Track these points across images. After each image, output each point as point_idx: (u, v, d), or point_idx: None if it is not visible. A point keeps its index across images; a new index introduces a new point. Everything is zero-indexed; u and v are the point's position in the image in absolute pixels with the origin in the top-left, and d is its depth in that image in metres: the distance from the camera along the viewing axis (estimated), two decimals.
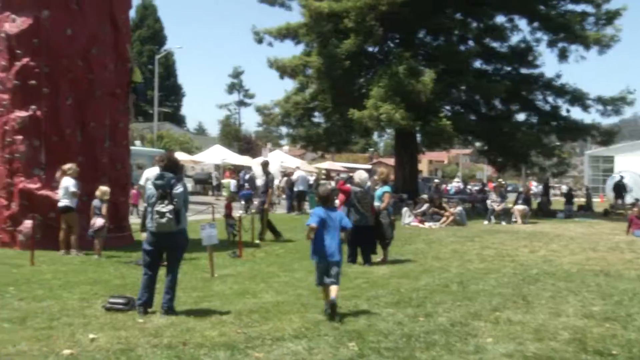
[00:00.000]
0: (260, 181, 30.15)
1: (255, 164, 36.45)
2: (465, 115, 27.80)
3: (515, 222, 20.70)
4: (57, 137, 12.45)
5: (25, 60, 12.33)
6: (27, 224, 11.79)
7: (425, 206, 20.51)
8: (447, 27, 26.09)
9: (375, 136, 39.18)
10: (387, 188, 11.82)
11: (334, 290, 6.73)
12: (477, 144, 33.28)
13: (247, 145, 63.31)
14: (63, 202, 11.53)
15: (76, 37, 12.54)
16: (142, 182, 10.89)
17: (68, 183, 11.48)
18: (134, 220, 15.44)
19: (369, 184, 11.63)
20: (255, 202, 25.12)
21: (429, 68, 23.51)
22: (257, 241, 13.96)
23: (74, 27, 12.51)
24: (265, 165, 15.46)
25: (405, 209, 19.96)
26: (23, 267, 10.04)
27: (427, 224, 19.21)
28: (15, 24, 12.42)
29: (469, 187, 42.32)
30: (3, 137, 12.73)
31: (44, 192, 12.23)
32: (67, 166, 11.60)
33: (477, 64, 28.08)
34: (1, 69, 12.72)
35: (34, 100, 12.34)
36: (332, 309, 6.59)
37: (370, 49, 27.40)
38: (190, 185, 35.04)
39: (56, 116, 12.42)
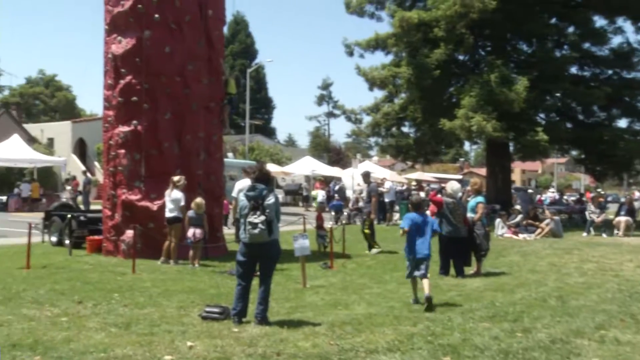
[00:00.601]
0: (350, 192, 30.37)
1: (345, 175, 36.61)
2: (561, 124, 26.71)
3: (618, 234, 19.67)
4: (156, 150, 12.99)
5: (128, 78, 12.99)
6: (129, 233, 12.36)
7: (519, 217, 19.89)
8: (542, 33, 25.26)
9: (466, 145, 38.46)
10: (480, 199, 11.55)
11: (426, 285, 7.94)
12: (574, 152, 31.90)
13: (336, 156, 63.62)
14: (173, 213, 11.97)
15: (174, 54, 13.07)
16: (234, 194, 11.13)
17: (179, 195, 11.93)
18: (226, 230, 15.84)
19: (460, 194, 11.42)
20: (345, 212, 25.30)
21: (522, 76, 22.83)
22: (370, 251, 14.08)
23: (172, 45, 13.05)
24: (366, 175, 15.53)
25: (498, 220, 19.42)
26: (126, 275, 10.52)
27: (521, 236, 18.61)
28: (121, 44, 13.11)
29: (565, 197, 40.57)
30: (108, 151, 13.47)
31: (143, 203, 12.77)
32: (176, 178, 12.07)
33: (574, 69, 26.98)
34: (107, 88, 13.47)
35: (135, 116, 12.96)
36: (429, 303, 7.68)
37: (461, 58, 26.97)
38: (280, 196, 35.64)
39: (155, 130, 12.97)
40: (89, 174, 32.12)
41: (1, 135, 36.63)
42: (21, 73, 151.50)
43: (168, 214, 11.99)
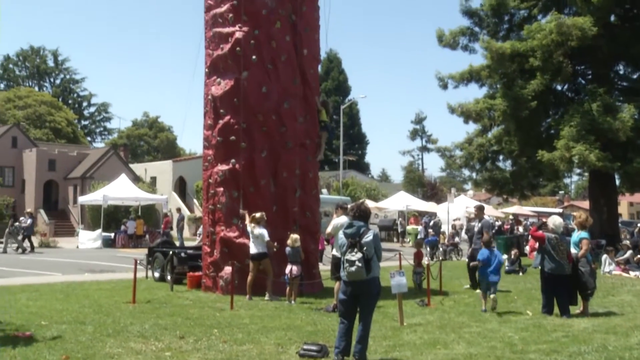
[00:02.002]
0: (445, 227, 29.75)
1: (440, 209, 36.03)
2: None
3: None
4: (253, 187, 13.31)
5: (226, 118, 13.45)
6: (227, 270, 12.65)
7: (629, 253, 18.76)
8: None
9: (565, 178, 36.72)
10: (584, 234, 11.02)
11: (493, 298, 10.75)
12: None
13: (431, 191, 62.78)
14: (258, 249, 12.17)
15: (270, 93, 13.46)
16: (329, 230, 11.19)
17: (263, 231, 12.14)
18: (322, 267, 15.92)
19: (562, 229, 10.95)
20: (441, 248, 24.80)
21: (628, 103, 21.75)
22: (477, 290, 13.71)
23: (268, 85, 13.45)
24: (480, 209, 15.07)
25: (605, 256, 18.40)
26: (224, 310, 10.75)
27: (632, 273, 17.49)
28: (220, 86, 13.66)
29: None
30: (207, 189, 13.93)
31: (241, 240, 13.04)
32: (258, 215, 12.31)
33: None
34: (207, 128, 14.01)
35: (233, 155, 13.36)
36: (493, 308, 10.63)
37: (559, 87, 26.08)
38: None
39: (252, 168, 13.31)
40: (182, 211, 33.32)
41: (111, 175, 38.95)
42: (129, 116, 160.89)
43: (253, 250, 12.17)
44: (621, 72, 26.10)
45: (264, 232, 12.13)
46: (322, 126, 14.70)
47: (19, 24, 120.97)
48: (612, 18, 23.95)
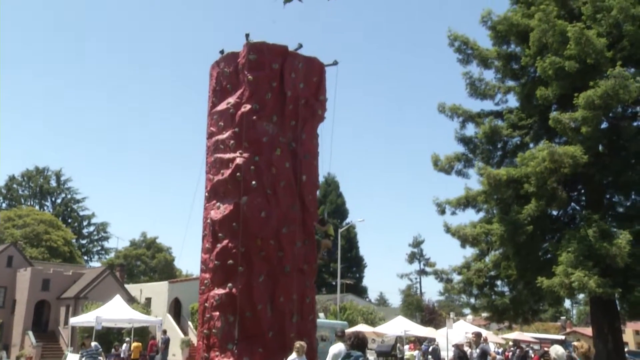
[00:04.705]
0: (445, 353, 28.92)
1: (439, 335, 35.24)
2: None
3: None
4: (249, 312, 13.10)
5: (225, 242, 13.50)
6: None
7: None
8: None
9: (567, 303, 36.31)
10: None
11: None
12: None
13: (429, 316, 61.67)
14: None
15: (269, 218, 13.58)
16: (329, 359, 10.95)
17: None
18: None
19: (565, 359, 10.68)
20: None
21: (623, 229, 21.91)
22: None
23: (267, 210, 13.61)
24: (478, 336, 14.84)
25: None
26: None
27: None
28: (219, 210, 13.82)
29: None
30: (203, 313, 13.73)
31: None
32: (298, 344, 12.05)
33: None
34: (205, 251, 14.03)
35: (230, 279, 13.28)
36: None
37: (554, 213, 26.37)
38: (372, 358, 34.54)
39: (249, 292, 13.17)
40: (167, 334, 32.66)
41: (105, 295, 38.41)
42: (127, 236, 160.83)
43: None
44: (614, 199, 26.49)
45: None
46: (330, 239, 14.88)
47: (26, 145, 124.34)
48: (601, 148, 24.68)
